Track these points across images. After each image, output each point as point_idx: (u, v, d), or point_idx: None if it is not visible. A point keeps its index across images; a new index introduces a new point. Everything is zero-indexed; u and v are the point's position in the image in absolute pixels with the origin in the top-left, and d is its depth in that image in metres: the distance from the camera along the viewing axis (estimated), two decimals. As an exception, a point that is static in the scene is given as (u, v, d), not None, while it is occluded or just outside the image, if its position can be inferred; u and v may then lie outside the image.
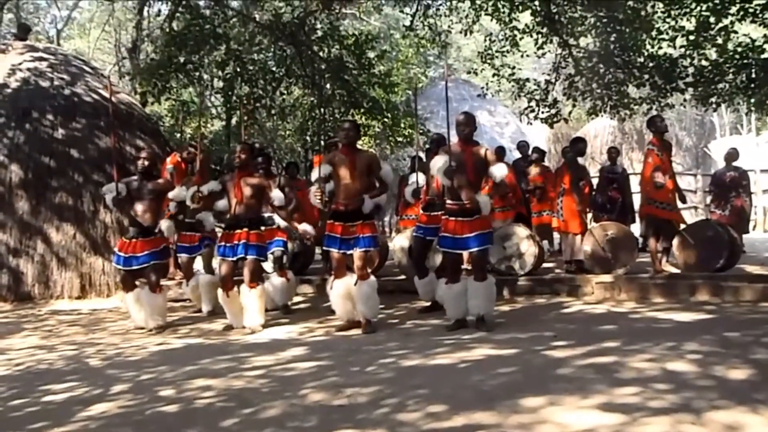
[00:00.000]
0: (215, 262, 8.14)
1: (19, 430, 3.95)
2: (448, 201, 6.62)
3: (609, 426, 3.42)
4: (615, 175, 10.86)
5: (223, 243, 7.30)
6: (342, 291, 6.78)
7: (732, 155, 10.86)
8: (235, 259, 7.20)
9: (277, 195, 7.38)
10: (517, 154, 13.04)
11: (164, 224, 7.62)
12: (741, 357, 4.69)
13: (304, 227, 7.53)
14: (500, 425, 3.50)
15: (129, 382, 5.05)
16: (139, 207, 7.62)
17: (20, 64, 12.03)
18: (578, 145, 9.41)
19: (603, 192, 10.71)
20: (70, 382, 5.16)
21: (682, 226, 8.62)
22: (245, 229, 7.19)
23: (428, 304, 7.67)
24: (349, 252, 6.77)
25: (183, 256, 8.68)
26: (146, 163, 7.78)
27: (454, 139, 6.73)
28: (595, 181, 11.32)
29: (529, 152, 11.93)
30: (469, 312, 6.50)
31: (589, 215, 10.21)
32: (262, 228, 7.53)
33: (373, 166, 6.88)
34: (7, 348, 6.89)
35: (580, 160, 9.56)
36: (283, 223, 8.07)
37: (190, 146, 9.31)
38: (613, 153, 11.32)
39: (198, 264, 8.65)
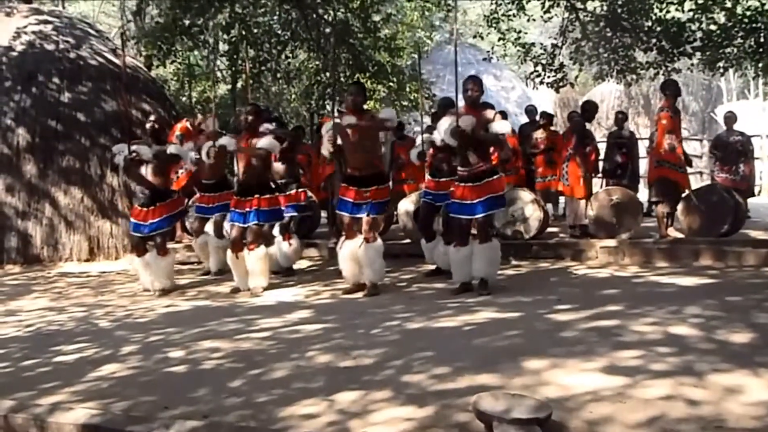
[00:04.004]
0: (226, 225, 8.19)
1: (32, 389, 4.03)
2: (459, 168, 6.60)
3: (611, 388, 3.47)
4: (623, 140, 10.79)
5: (234, 209, 7.34)
6: (349, 253, 6.84)
7: (731, 118, 10.77)
8: (245, 225, 7.24)
9: (264, 142, 7.29)
10: (524, 119, 12.99)
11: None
12: (743, 321, 4.74)
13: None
14: (503, 387, 3.56)
15: (138, 343, 5.14)
16: (147, 171, 7.61)
17: (25, 27, 11.98)
18: (589, 111, 9.27)
19: (612, 157, 10.65)
20: (81, 343, 5.25)
21: (687, 191, 8.61)
22: (256, 196, 7.22)
23: (434, 267, 7.70)
24: (358, 216, 6.81)
25: (197, 217, 8.69)
26: (156, 126, 7.80)
27: (461, 102, 6.70)
28: (602, 146, 11.27)
29: (537, 117, 11.88)
30: (473, 274, 6.53)
31: (600, 180, 10.18)
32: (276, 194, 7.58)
33: (376, 120, 7.01)
34: (18, 309, 6.99)
35: (586, 124, 9.47)
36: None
37: (200, 113, 9.29)
38: (621, 117, 11.21)
39: (208, 227, 8.67)
